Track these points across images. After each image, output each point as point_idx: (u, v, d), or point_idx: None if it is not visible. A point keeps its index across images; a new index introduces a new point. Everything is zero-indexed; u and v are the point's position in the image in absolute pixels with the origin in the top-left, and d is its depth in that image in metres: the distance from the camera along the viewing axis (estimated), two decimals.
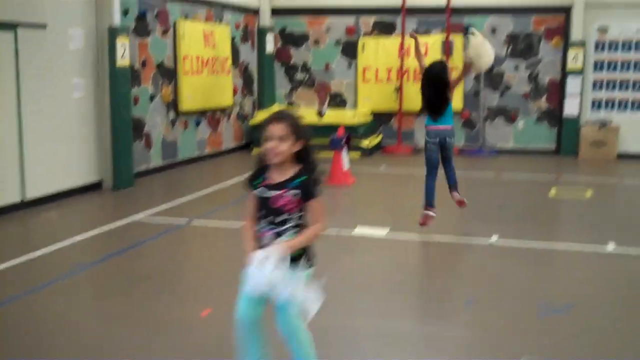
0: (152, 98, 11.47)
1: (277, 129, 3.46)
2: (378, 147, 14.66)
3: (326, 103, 14.88)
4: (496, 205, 9.06)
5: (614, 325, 5.16)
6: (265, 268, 3.32)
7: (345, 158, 10.89)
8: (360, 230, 7.90)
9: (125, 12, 10.55)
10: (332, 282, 6.14)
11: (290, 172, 3.52)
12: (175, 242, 7.58)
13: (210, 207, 9.11)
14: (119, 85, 10.06)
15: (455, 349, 4.73)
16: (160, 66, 11.69)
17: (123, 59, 10.05)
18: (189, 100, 12.37)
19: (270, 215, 3.51)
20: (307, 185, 3.49)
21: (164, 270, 6.45)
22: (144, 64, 11.21)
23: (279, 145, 3.45)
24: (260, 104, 15.27)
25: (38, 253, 6.83)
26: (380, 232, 7.84)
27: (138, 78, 11.08)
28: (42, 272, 6.30)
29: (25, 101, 8.72)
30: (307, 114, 14.13)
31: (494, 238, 7.56)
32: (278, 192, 3.49)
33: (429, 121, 7.72)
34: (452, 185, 7.96)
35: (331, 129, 11.68)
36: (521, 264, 6.77)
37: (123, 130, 10.20)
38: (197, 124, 12.83)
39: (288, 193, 3.48)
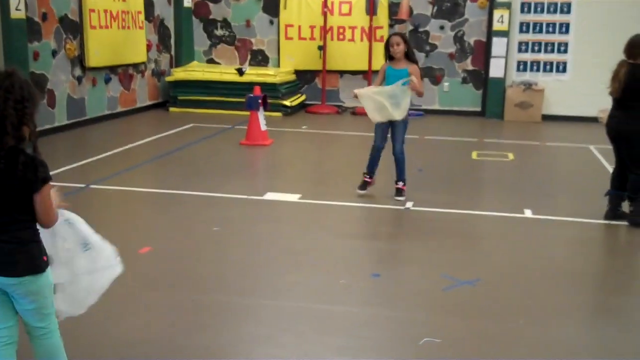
0: (54, 53, 10.68)
1: None
2: (301, 107, 14.21)
3: (247, 61, 14.29)
4: (415, 169, 8.74)
5: (520, 302, 4.86)
6: None
7: (262, 118, 10.42)
8: (271, 196, 7.49)
9: None
10: (230, 252, 5.73)
11: None
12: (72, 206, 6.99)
13: (120, 167, 8.59)
14: (13, 39, 9.31)
15: (357, 328, 4.38)
16: (63, 20, 10.87)
17: (18, 11, 9.27)
18: (97, 56, 11.60)
19: None
20: None
21: None
22: (44, 17, 10.40)
23: None
24: (177, 61, 14.56)
25: None
26: (291, 197, 7.44)
27: (38, 32, 10.28)
28: None
29: None
30: (228, 72, 13.59)
31: (409, 204, 7.26)
32: None
33: None
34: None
35: (253, 87, 11.19)
36: (434, 233, 6.47)
37: None
38: (107, 80, 12.08)
39: None
